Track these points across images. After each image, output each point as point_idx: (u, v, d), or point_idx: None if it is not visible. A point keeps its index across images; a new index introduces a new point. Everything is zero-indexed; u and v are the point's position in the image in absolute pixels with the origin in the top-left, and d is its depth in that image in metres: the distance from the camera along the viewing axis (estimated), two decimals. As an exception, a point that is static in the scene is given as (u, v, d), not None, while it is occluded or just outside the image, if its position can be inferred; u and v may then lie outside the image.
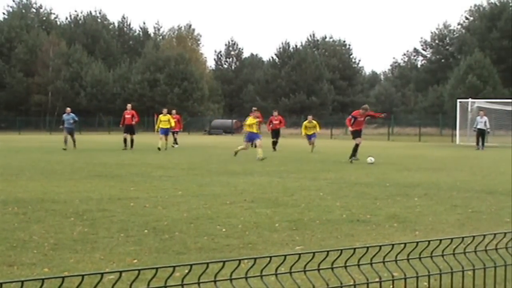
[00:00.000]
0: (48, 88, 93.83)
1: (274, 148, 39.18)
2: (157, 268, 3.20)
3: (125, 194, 15.82)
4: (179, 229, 10.87)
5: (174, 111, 43.37)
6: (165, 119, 39.87)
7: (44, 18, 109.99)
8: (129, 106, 40.63)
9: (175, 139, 43.27)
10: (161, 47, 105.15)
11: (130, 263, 8.33)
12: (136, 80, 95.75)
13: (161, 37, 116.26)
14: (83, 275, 3.01)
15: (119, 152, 35.49)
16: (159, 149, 37.12)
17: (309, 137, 38.93)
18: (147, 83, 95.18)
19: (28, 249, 9.17)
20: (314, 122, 39.44)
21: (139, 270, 3.17)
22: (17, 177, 19.91)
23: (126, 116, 39.26)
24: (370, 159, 26.73)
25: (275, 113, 41.77)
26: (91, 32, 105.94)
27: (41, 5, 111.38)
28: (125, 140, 38.72)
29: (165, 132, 39.46)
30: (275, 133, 40.62)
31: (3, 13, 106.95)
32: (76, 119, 39.42)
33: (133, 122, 38.93)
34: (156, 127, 40.86)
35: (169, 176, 20.92)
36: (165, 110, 41.13)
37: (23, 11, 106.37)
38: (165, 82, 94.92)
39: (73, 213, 12.46)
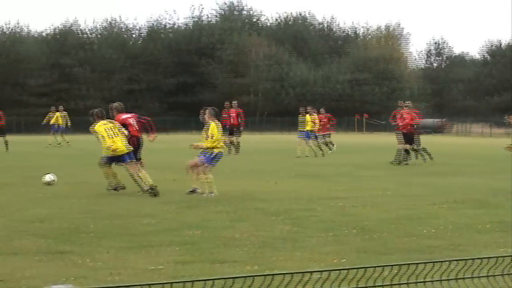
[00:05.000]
0: (251, 89, 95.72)
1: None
2: (357, 268, 3.18)
3: (331, 194, 15.81)
4: (382, 229, 10.77)
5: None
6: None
7: (247, 20, 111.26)
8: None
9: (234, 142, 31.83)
10: (368, 47, 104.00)
11: (331, 263, 8.35)
12: (339, 80, 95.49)
13: (370, 37, 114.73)
14: (284, 274, 3.04)
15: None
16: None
17: None
18: (352, 83, 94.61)
19: (231, 247, 9.39)
20: None
21: (340, 270, 3.16)
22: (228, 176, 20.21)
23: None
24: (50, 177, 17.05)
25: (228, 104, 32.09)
26: (297, 34, 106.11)
27: (251, 7, 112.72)
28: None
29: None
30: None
31: (207, 15, 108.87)
32: None
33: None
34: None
35: (373, 176, 20.79)
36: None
37: (230, 13, 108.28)
38: (369, 82, 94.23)
39: (276, 212, 12.61)
